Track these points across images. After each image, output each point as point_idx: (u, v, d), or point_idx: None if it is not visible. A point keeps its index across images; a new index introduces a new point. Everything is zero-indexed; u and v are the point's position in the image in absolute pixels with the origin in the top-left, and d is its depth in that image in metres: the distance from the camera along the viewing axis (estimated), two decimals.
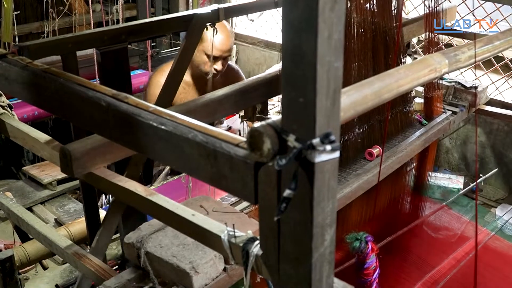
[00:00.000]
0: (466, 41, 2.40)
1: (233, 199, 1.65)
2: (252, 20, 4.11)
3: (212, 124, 0.95)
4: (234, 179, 0.70)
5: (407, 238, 2.18)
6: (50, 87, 0.99)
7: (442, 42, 2.77)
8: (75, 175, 1.03)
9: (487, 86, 2.51)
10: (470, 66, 2.20)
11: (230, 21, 3.93)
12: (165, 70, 2.40)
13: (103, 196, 2.20)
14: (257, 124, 0.65)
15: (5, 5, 2.95)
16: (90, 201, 1.61)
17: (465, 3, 3.04)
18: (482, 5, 2.93)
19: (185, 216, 0.89)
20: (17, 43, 3.00)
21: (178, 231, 1.05)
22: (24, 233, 1.76)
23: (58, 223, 2.19)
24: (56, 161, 1.08)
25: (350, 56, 1.76)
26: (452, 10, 2.46)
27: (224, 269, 1.24)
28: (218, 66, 2.49)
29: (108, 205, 2.06)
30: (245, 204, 1.60)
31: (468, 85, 2.34)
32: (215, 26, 1.82)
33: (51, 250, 1.51)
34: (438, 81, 2.19)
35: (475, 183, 2.76)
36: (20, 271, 1.65)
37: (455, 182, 2.74)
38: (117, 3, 3.37)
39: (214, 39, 2.21)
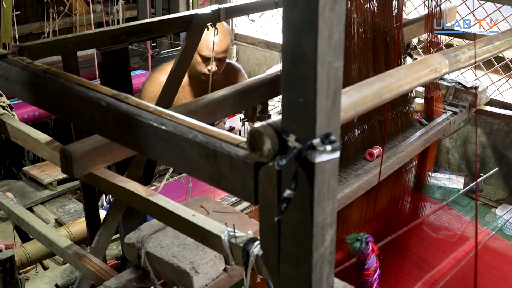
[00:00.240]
0: (467, 41, 2.40)
1: (233, 199, 1.65)
2: (253, 21, 4.11)
3: (212, 124, 0.95)
4: (234, 179, 0.70)
5: (408, 238, 2.19)
6: (51, 87, 0.99)
7: (442, 43, 2.77)
8: (75, 175, 1.03)
9: (487, 87, 2.51)
10: (471, 67, 2.20)
11: (231, 21, 3.93)
12: (166, 69, 2.39)
13: (103, 196, 2.20)
14: (257, 124, 0.65)
15: (4, 6, 2.94)
16: (91, 201, 1.61)
17: (465, 4, 3.04)
18: (482, 5, 2.93)
19: (186, 217, 0.89)
20: (17, 43, 3.01)
21: (179, 231, 1.05)
22: (24, 233, 1.76)
23: (59, 223, 2.19)
24: (57, 162, 1.08)
25: (351, 56, 1.76)
26: (452, 11, 2.46)
27: (225, 269, 1.24)
28: (212, 67, 2.38)
29: (108, 205, 2.06)
30: (245, 204, 1.61)
31: (468, 85, 2.34)
32: (211, 27, 1.81)
33: (51, 250, 1.51)
34: (439, 82, 2.19)
35: (475, 182, 2.76)
36: (20, 271, 1.65)
37: (455, 182, 2.73)
38: (117, 4, 3.36)
39: (208, 40, 2.19)
